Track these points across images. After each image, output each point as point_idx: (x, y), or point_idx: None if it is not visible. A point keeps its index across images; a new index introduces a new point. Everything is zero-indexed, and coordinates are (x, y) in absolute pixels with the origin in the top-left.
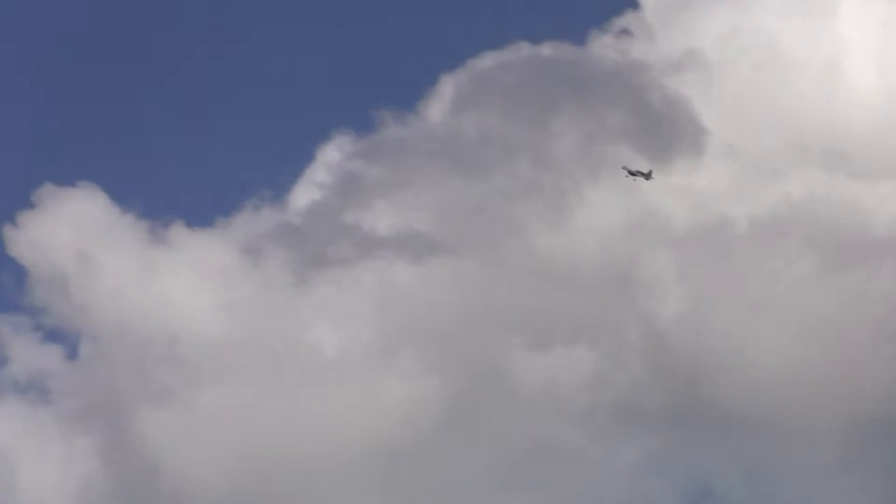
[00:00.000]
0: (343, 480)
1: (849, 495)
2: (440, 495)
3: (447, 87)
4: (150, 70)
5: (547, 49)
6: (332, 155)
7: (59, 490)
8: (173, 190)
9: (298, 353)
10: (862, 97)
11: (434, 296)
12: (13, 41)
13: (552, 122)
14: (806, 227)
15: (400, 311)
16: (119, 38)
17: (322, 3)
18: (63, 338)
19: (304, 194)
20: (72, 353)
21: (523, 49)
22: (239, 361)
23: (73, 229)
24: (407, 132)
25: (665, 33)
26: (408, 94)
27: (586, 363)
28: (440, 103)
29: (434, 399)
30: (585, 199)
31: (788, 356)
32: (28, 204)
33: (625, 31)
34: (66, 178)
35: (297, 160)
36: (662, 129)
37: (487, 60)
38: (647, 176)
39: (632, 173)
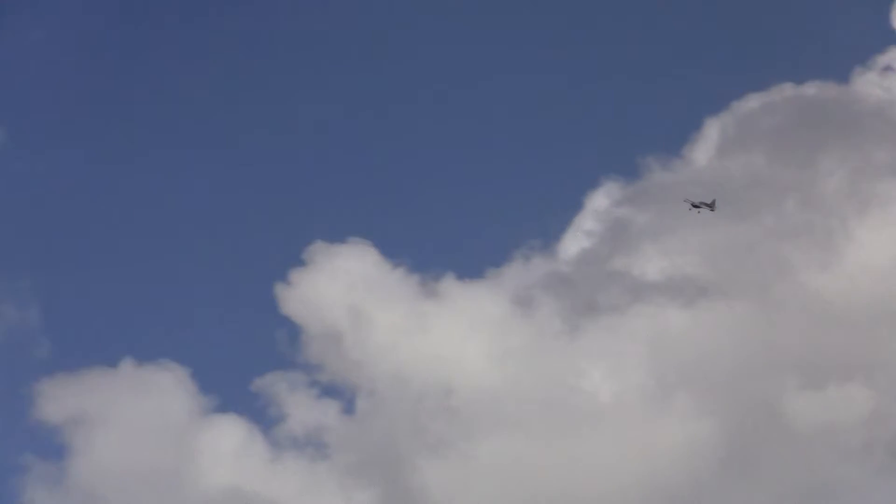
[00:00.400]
0: None
1: None
2: None
3: (712, 131)
4: (417, 127)
5: (811, 88)
6: (600, 202)
7: None
8: (443, 243)
9: (572, 400)
10: None
11: (706, 338)
12: (288, 103)
13: (819, 161)
14: None
15: (673, 354)
16: (386, 98)
17: (585, 53)
18: (339, 393)
19: (574, 242)
20: (348, 408)
21: (787, 90)
22: (513, 410)
23: (344, 285)
24: (673, 177)
25: None
26: (673, 139)
27: (862, 400)
28: (705, 147)
29: (710, 441)
30: (855, 236)
31: None
32: (300, 262)
33: (889, 68)
34: (337, 235)
35: (565, 209)
36: None
37: (752, 102)
38: (711, 206)
39: (695, 206)
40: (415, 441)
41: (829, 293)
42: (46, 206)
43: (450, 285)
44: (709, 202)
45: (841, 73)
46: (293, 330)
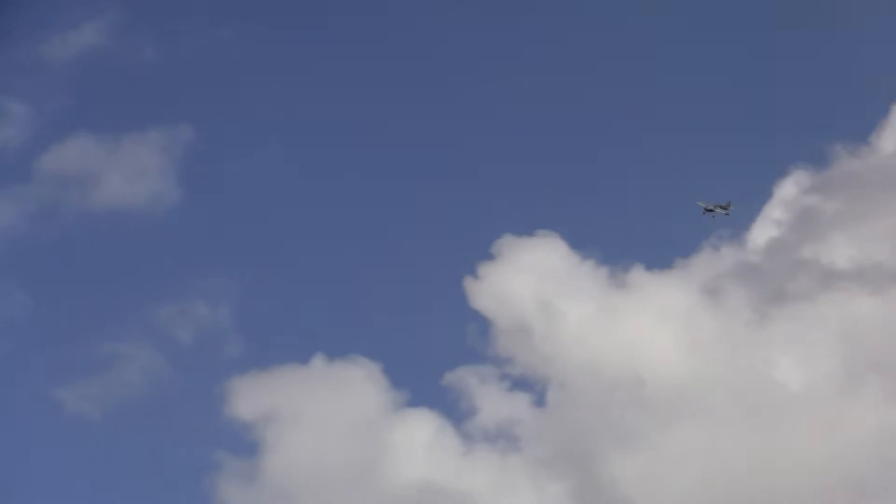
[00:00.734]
0: None
1: None
2: None
3: None
4: (604, 119)
5: None
6: (789, 191)
7: None
8: (631, 234)
9: (763, 389)
10: None
11: None
12: (477, 97)
13: None
14: None
15: (863, 342)
16: (573, 90)
17: (771, 41)
18: (529, 386)
19: (762, 231)
20: (539, 401)
21: None
22: (703, 401)
23: (533, 278)
24: (861, 164)
25: None
26: (861, 126)
27: None
28: (893, 134)
29: None
30: None
31: None
32: (488, 256)
33: None
34: (525, 229)
35: (754, 198)
36: None
37: None
38: (726, 209)
39: (709, 210)
40: (606, 433)
41: None
42: (237, 206)
43: (639, 276)
44: (723, 204)
45: None
46: (483, 324)
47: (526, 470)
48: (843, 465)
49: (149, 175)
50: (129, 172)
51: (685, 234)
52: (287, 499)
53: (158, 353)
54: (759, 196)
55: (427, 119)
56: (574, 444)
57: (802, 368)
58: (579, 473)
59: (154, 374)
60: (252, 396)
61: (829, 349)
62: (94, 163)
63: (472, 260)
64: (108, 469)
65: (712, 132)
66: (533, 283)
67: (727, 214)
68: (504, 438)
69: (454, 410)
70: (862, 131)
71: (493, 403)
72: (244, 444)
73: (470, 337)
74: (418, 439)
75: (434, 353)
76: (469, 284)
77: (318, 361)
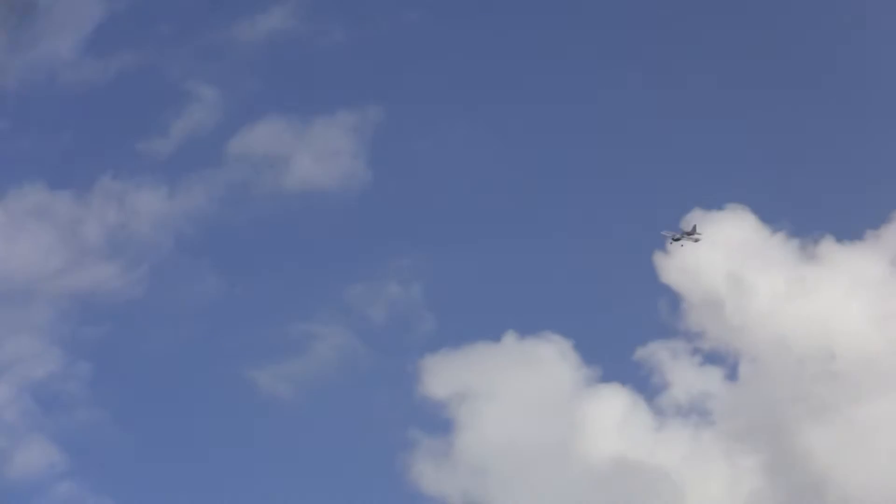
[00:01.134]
0: None
1: None
2: None
3: None
4: (794, 89)
5: None
6: None
7: None
8: (821, 206)
9: None
10: None
11: None
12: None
13: None
14: None
15: None
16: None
17: None
18: (721, 360)
19: None
20: (731, 375)
21: None
22: None
23: (723, 252)
24: None
25: None
26: None
27: None
28: None
29: None
30: None
31: None
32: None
33: None
34: (715, 202)
35: None
36: None
37: None
38: (692, 233)
39: (675, 239)
40: (798, 406)
41: None
42: (427, 185)
43: (829, 248)
44: (689, 230)
45: None
46: (673, 298)
47: (719, 444)
48: None
49: (339, 156)
50: (319, 154)
51: (876, 205)
52: (481, 476)
53: (351, 332)
54: None
55: (615, 93)
56: (766, 418)
57: None
58: (772, 447)
59: (347, 354)
60: (444, 375)
61: None
62: (284, 145)
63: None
64: (302, 449)
65: None
66: (723, 256)
67: (696, 241)
68: (696, 413)
69: (646, 386)
70: None
71: (685, 378)
72: (438, 422)
73: (661, 312)
74: (610, 415)
75: (625, 328)
76: (659, 259)
77: (509, 339)
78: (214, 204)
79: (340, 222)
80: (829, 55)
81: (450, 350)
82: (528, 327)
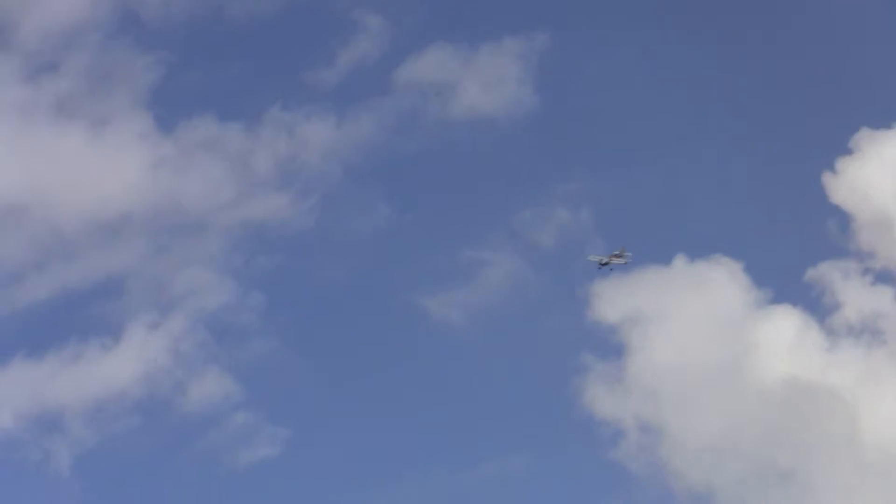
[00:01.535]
0: None
1: None
2: None
3: None
4: None
5: None
6: None
7: None
8: None
9: None
10: None
11: None
12: None
13: None
14: None
15: None
16: None
17: None
18: (892, 279)
19: None
20: None
21: None
22: None
23: (893, 171)
24: None
25: None
26: None
27: None
28: None
29: None
30: None
31: None
32: (846, 150)
33: None
34: (883, 122)
35: None
36: None
37: None
38: (621, 255)
39: (603, 263)
40: None
41: None
42: (594, 110)
43: None
44: (617, 252)
45: None
46: (843, 218)
47: (891, 363)
48: None
49: (506, 83)
50: (486, 81)
51: None
52: (653, 399)
53: (521, 258)
54: None
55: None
56: None
57: None
58: None
59: (517, 280)
60: (615, 299)
61: None
62: (451, 73)
63: (830, 155)
64: (474, 375)
65: None
66: (893, 175)
67: (626, 262)
68: (868, 333)
69: (817, 306)
70: None
71: (857, 298)
72: (609, 346)
73: (831, 232)
74: (782, 336)
75: (795, 249)
76: (828, 179)
77: (679, 262)
78: (382, 133)
79: (508, 148)
80: None
81: (620, 274)
82: (698, 250)
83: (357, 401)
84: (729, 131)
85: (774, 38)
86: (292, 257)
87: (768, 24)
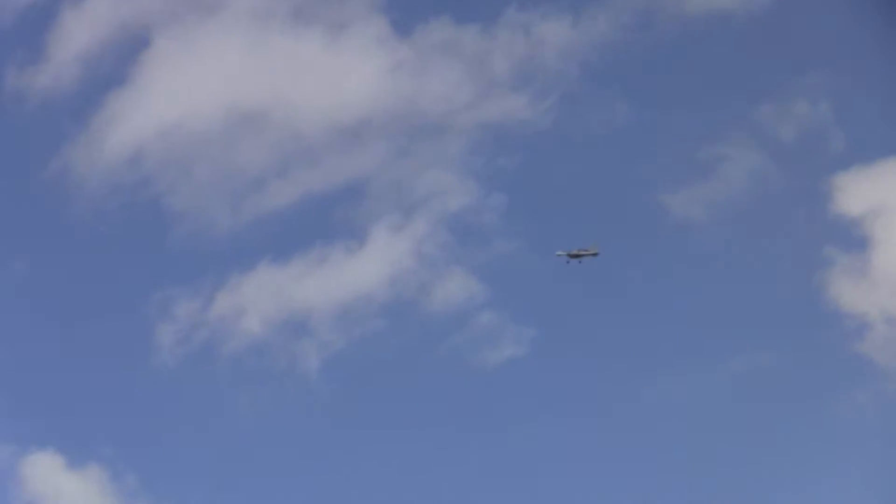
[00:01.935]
0: None
1: None
2: None
3: None
4: None
5: None
6: None
7: None
8: None
9: None
10: None
11: None
12: None
13: None
14: None
15: None
16: None
17: None
18: None
19: None
20: None
21: None
22: None
23: None
24: None
25: None
26: None
27: None
28: None
29: None
30: None
31: None
32: None
33: None
34: None
35: None
36: None
37: None
38: (591, 251)
39: (572, 256)
40: None
41: None
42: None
43: None
44: (588, 248)
45: None
46: None
47: None
48: None
49: None
50: None
51: None
52: None
53: (761, 153)
54: None
55: None
56: None
57: None
58: None
59: (758, 175)
60: (857, 192)
61: None
62: None
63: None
64: (717, 271)
65: None
66: None
67: (595, 255)
68: None
69: None
70: None
71: None
72: (853, 239)
73: None
74: None
75: None
76: None
77: None
78: (619, 31)
79: (745, 42)
80: None
81: (862, 166)
82: None
83: (601, 297)
84: None
85: None
86: (531, 158)
87: None
